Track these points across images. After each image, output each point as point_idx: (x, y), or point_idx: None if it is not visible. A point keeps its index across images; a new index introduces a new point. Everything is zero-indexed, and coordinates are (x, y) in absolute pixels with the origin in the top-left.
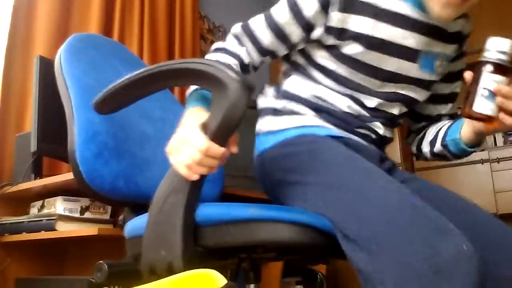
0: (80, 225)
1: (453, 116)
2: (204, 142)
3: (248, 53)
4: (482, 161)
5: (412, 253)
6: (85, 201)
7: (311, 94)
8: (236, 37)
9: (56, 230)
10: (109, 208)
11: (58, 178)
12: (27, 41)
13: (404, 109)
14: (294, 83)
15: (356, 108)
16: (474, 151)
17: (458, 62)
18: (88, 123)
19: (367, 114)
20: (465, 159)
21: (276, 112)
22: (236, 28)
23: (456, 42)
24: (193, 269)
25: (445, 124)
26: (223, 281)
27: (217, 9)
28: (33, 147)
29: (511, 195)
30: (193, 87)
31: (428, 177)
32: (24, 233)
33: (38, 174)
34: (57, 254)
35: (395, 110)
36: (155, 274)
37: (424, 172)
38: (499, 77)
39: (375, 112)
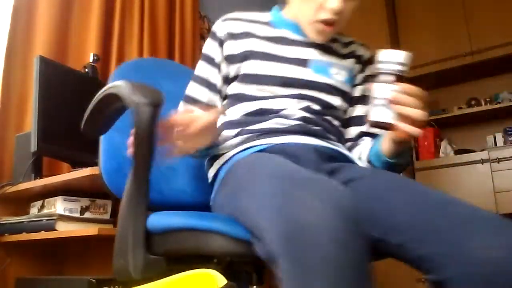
0: (80, 225)
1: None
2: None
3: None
4: (482, 161)
5: (281, 224)
6: (85, 201)
7: (234, 122)
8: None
9: (56, 230)
10: (109, 208)
11: (58, 178)
12: (27, 41)
13: (318, 107)
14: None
15: (280, 114)
16: (397, 163)
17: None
18: (110, 140)
19: (288, 113)
20: (465, 159)
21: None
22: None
23: (351, 58)
24: (149, 275)
25: (368, 143)
26: (223, 281)
27: (217, 9)
28: (33, 147)
29: (511, 195)
30: None
31: (428, 177)
32: (24, 233)
33: (38, 174)
34: (57, 254)
35: (310, 106)
36: (122, 280)
37: (424, 172)
38: (395, 87)
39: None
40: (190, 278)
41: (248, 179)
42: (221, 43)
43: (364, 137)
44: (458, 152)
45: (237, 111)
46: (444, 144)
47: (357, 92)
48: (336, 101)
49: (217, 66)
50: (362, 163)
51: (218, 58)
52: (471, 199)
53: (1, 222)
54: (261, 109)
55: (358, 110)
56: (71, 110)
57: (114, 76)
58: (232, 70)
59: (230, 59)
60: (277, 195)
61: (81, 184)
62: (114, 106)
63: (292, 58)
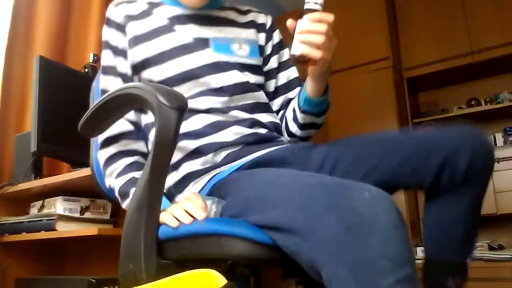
0: (80, 225)
1: None
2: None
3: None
4: None
5: (326, 226)
6: (85, 201)
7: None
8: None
9: (56, 230)
10: (109, 208)
11: (58, 178)
12: (27, 41)
13: (250, 99)
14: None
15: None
16: (325, 100)
17: (282, 53)
18: None
19: (226, 120)
20: None
21: (179, 186)
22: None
23: (252, 28)
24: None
25: (294, 99)
26: (224, 281)
27: None
28: (33, 147)
29: (511, 195)
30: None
31: None
32: (24, 233)
33: (38, 174)
34: (57, 254)
35: (243, 100)
36: (129, 285)
37: None
38: (304, 20)
39: (230, 115)
40: (190, 278)
41: (268, 190)
42: (121, 28)
43: (291, 102)
44: None
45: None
46: None
47: (274, 62)
48: (252, 78)
49: (125, 54)
50: (299, 120)
51: (124, 44)
52: None
53: (1, 222)
54: (209, 108)
55: (281, 79)
56: (71, 110)
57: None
58: (139, 53)
59: (136, 40)
60: (324, 194)
61: (81, 184)
62: (127, 107)
63: (188, 45)
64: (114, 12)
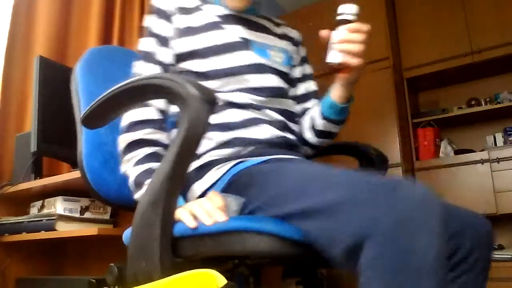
0: (80, 225)
1: None
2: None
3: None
4: (482, 161)
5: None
6: (85, 201)
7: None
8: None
9: (56, 230)
10: (109, 208)
11: (58, 178)
12: (27, 41)
13: (283, 105)
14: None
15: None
16: (348, 107)
17: (306, 67)
18: (94, 134)
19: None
20: (465, 159)
21: (199, 172)
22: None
23: (286, 40)
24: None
25: (314, 108)
26: (223, 281)
27: None
28: (33, 147)
29: (511, 195)
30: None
31: (428, 177)
32: (24, 233)
33: (38, 174)
34: (57, 254)
35: (277, 104)
36: (139, 283)
37: (424, 172)
38: (342, 30)
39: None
40: (190, 278)
41: (308, 182)
42: (168, 17)
43: (307, 111)
44: (458, 152)
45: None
46: (444, 144)
47: (298, 73)
48: (281, 83)
49: (169, 44)
50: (318, 127)
51: (170, 34)
52: (471, 199)
53: (1, 222)
54: (246, 103)
55: (301, 89)
56: (71, 110)
57: (85, 61)
58: (187, 44)
59: (186, 31)
60: (371, 190)
61: (81, 184)
62: (146, 98)
63: (234, 43)
64: (163, 2)
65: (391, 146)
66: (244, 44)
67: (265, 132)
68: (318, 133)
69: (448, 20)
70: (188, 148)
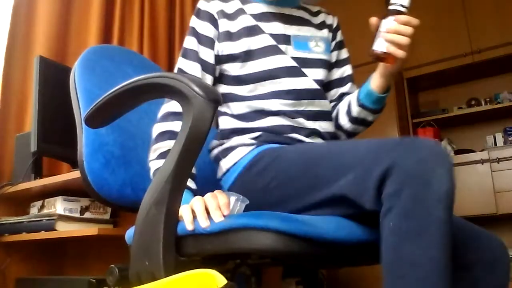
0: (80, 225)
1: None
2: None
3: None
4: (482, 161)
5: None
6: (85, 201)
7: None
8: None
9: (56, 230)
10: (109, 208)
11: (58, 178)
12: (27, 41)
13: (316, 106)
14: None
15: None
16: (385, 98)
17: (342, 51)
18: (95, 134)
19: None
20: (465, 159)
21: (225, 152)
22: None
23: (324, 28)
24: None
25: (353, 94)
26: (224, 281)
27: None
28: (33, 147)
29: (511, 195)
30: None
31: None
32: (24, 233)
33: (38, 174)
34: (57, 254)
35: (310, 106)
36: (142, 283)
37: None
38: (391, 20)
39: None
40: (190, 278)
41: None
42: (214, 22)
43: (344, 96)
44: (458, 152)
45: (248, 106)
46: (444, 144)
47: (333, 57)
48: (322, 74)
49: (212, 45)
50: (353, 113)
51: (213, 36)
52: (471, 199)
53: (1, 222)
54: (278, 111)
55: (336, 74)
56: (71, 110)
57: (84, 60)
58: (226, 48)
59: (226, 36)
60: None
61: (81, 184)
62: (148, 97)
63: (277, 34)
64: (207, 5)
65: None
66: (282, 40)
67: (291, 139)
68: (353, 119)
69: (448, 20)
70: (192, 146)
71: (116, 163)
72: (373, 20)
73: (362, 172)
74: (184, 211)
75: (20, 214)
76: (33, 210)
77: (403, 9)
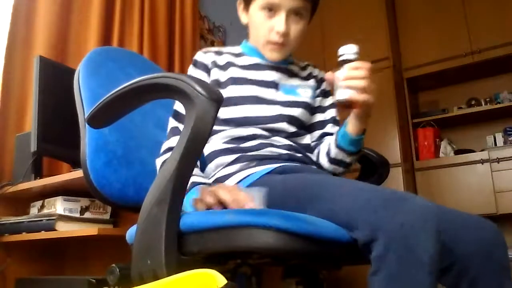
0: (80, 225)
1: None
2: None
3: None
4: (482, 161)
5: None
6: (85, 201)
7: (229, 149)
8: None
9: (56, 230)
10: (109, 208)
11: (58, 178)
12: (27, 41)
13: (292, 128)
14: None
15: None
16: (361, 140)
17: (326, 100)
18: (98, 134)
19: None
20: (465, 159)
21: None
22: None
23: (311, 79)
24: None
25: (333, 136)
26: (224, 281)
27: (217, 9)
28: (33, 147)
29: (511, 195)
30: None
31: (428, 177)
32: (24, 233)
33: (38, 174)
34: (57, 254)
35: (286, 127)
36: (144, 282)
37: (424, 172)
38: (345, 69)
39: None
40: (190, 278)
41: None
42: (208, 71)
43: (325, 137)
44: (458, 152)
45: (225, 136)
46: (444, 144)
47: (316, 103)
48: (304, 115)
49: None
50: (331, 154)
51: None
52: (471, 199)
53: (1, 222)
54: (254, 134)
55: (319, 117)
56: (71, 110)
57: (89, 61)
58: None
59: (217, 84)
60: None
61: (81, 184)
62: (150, 97)
63: (263, 82)
64: (203, 57)
65: (391, 146)
66: (270, 86)
67: (271, 150)
68: (332, 160)
69: (448, 20)
70: (194, 146)
71: (118, 162)
72: (329, 74)
73: (350, 226)
74: (207, 195)
75: (20, 214)
76: (33, 210)
77: (352, 57)
